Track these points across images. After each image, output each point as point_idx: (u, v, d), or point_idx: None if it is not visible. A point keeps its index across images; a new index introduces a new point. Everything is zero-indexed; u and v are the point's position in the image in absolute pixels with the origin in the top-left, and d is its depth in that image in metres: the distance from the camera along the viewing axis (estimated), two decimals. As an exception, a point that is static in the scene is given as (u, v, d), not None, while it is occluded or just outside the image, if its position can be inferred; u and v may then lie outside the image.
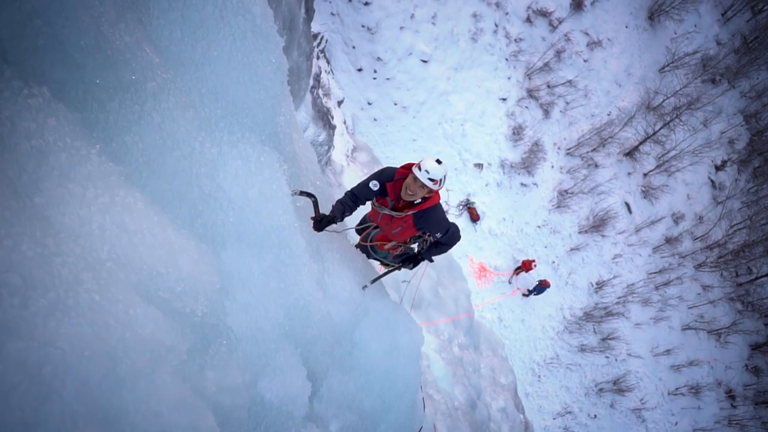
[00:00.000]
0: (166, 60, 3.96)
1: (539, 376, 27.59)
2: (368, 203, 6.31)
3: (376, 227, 6.74)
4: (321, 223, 5.64)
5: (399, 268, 6.64)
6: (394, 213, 5.92)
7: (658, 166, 33.61)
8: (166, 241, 3.11)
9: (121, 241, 2.83)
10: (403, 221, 5.95)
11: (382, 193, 5.96)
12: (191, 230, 3.69)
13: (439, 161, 5.47)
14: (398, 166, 5.93)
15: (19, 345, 1.91)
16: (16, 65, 2.86)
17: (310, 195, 5.54)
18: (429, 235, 6.15)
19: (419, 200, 5.70)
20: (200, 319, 3.25)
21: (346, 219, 6.22)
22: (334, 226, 5.83)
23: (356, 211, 6.26)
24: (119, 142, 3.38)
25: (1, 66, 2.71)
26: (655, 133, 32.71)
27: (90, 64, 3.21)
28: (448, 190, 26.90)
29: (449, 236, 6.07)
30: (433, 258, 6.52)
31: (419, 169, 5.46)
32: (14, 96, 2.68)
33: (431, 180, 5.41)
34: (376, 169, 6.27)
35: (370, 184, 5.92)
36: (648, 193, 33.20)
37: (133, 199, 3.06)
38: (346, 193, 6.04)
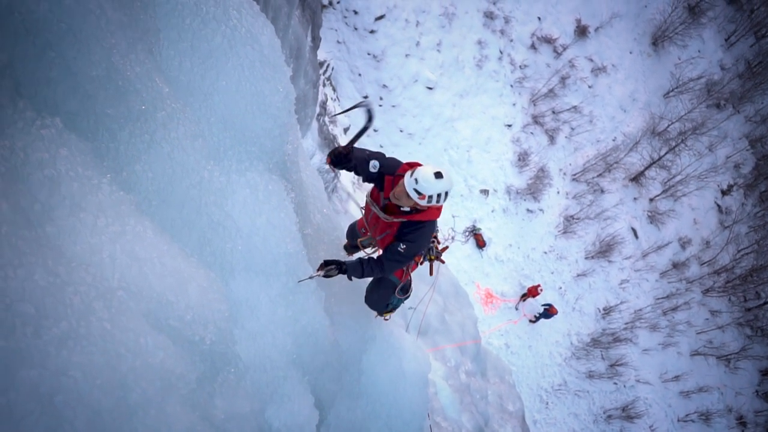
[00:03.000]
0: (176, 90, 4.02)
1: (547, 403, 27.34)
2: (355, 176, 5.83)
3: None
4: (339, 159, 5.19)
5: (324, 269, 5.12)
6: (382, 215, 5.27)
7: (664, 191, 33.56)
8: (175, 269, 3.14)
9: (132, 270, 2.85)
10: (389, 228, 5.29)
11: (378, 183, 5.32)
12: (200, 258, 3.72)
13: (439, 174, 4.75)
14: (404, 162, 5.37)
15: (32, 373, 1.93)
16: (30, 97, 2.91)
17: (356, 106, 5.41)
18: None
19: (407, 209, 5.06)
20: (209, 347, 3.27)
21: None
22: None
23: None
24: (129, 171, 3.43)
25: (15, 98, 2.75)
26: (660, 158, 32.71)
27: (101, 95, 3.26)
28: (454, 217, 26.89)
29: (399, 254, 5.18)
30: (352, 278, 5.28)
31: (411, 174, 4.84)
32: (27, 127, 2.73)
33: (416, 192, 4.76)
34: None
35: (371, 164, 5.27)
36: (654, 218, 33.12)
37: (143, 227, 3.10)
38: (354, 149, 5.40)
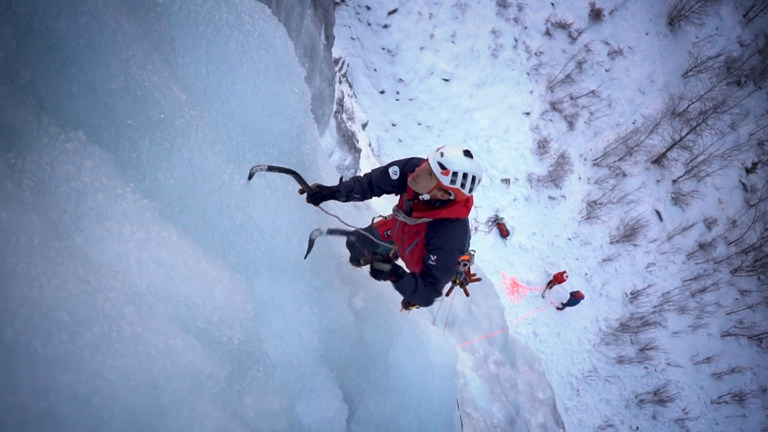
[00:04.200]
0: (193, 97, 4.10)
1: (578, 390, 27.30)
2: (383, 197, 5.20)
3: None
4: (316, 196, 4.55)
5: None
6: (407, 220, 4.61)
7: (687, 172, 33.32)
8: (200, 272, 3.22)
9: (158, 275, 2.94)
10: (416, 233, 4.59)
11: (401, 187, 4.76)
12: (224, 260, 3.80)
13: (468, 153, 4.16)
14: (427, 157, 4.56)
15: (70, 377, 2.02)
16: (53, 112, 3.01)
17: (286, 170, 4.42)
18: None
19: (425, 197, 4.39)
20: (237, 347, 3.35)
21: (348, 213, 5.13)
22: (334, 205, 4.80)
23: (363, 209, 5.19)
24: (152, 179, 3.51)
25: (40, 113, 2.85)
26: (681, 139, 32.47)
27: (121, 106, 3.35)
28: (476, 207, 26.90)
29: (435, 269, 4.34)
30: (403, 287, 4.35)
31: (436, 150, 4.25)
32: (53, 141, 2.82)
33: (440, 166, 4.13)
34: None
35: (390, 170, 4.73)
36: (678, 199, 32.90)
37: (168, 233, 3.18)
38: (364, 174, 4.88)
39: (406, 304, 6.09)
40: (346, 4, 25.49)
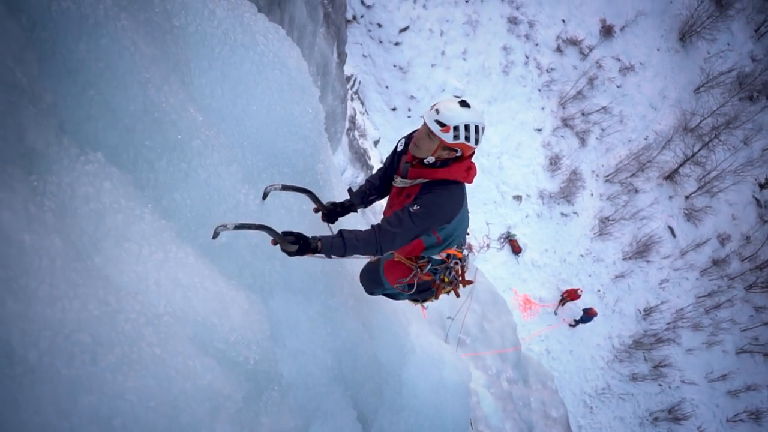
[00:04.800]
0: (209, 117, 4.14)
1: (591, 408, 27.10)
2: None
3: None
4: (331, 214, 4.38)
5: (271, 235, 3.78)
6: (403, 183, 4.27)
7: (699, 188, 33.19)
8: (217, 293, 3.25)
9: (176, 296, 2.97)
10: (408, 196, 4.23)
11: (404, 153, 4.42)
12: (240, 281, 3.83)
13: (464, 103, 3.86)
14: None
15: (91, 398, 2.04)
16: (73, 134, 3.05)
17: (301, 189, 4.28)
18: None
19: (430, 160, 4.02)
20: (253, 367, 3.36)
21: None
22: (354, 219, 4.53)
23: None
24: (169, 199, 3.55)
25: (60, 135, 2.89)
26: (694, 155, 32.37)
27: (139, 128, 3.39)
28: (488, 224, 26.89)
29: (409, 214, 3.96)
30: (333, 255, 3.93)
31: (431, 108, 3.95)
32: (73, 163, 2.86)
33: (438, 124, 3.80)
34: None
35: (398, 144, 4.52)
36: (691, 215, 32.76)
37: (185, 254, 3.21)
38: (376, 171, 4.71)
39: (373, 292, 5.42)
40: (358, 21, 25.65)
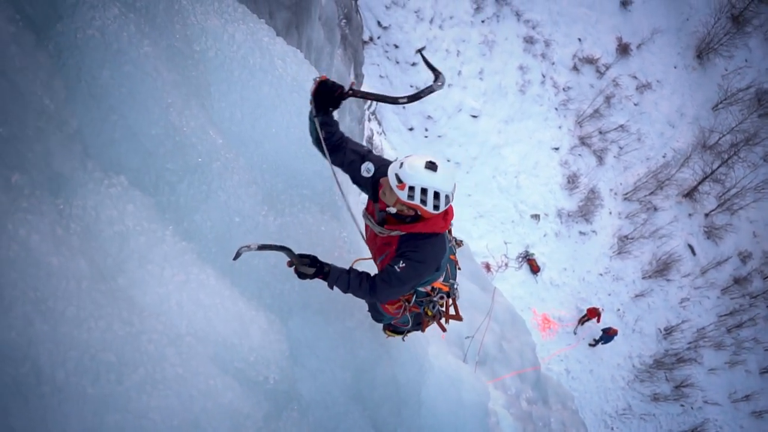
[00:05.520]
0: (229, 140, 4.21)
1: (612, 429, 26.77)
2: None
3: None
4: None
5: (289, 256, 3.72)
6: (377, 229, 4.04)
7: (719, 206, 32.89)
8: (237, 313, 3.30)
9: (198, 316, 3.02)
10: (388, 246, 4.06)
11: (373, 192, 4.10)
12: (260, 301, 3.88)
13: (432, 165, 3.57)
14: None
15: (117, 417, 2.10)
16: (97, 158, 3.13)
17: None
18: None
19: (392, 211, 3.82)
20: (272, 387, 3.40)
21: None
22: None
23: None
24: (190, 221, 3.62)
25: (85, 160, 2.97)
26: (713, 172, 32.12)
27: (161, 151, 3.47)
28: (506, 243, 26.81)
29: (394, 275, 3.91)
30: (336, 287, 4.03)
31: (397, 159, 3.74)
32: (97, 186, 2.93)
33: (397, 178, 3.58)
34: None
35: (363, 166, 4.04)
36: (711, 233, 32.44)
37: (206, 275, 3.27)
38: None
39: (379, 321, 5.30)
40: (375, 42, 25.83)
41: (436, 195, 3.60)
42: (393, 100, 3.89)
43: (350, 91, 3.80)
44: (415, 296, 4.59)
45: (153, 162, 3.44)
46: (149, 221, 3.12)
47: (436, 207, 3.65)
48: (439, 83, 3.87)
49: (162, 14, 3.77)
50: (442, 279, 4.58)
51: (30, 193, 2.30)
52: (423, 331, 5.08)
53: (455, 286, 4.79)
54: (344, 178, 4.25)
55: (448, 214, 3.97)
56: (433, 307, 4.65)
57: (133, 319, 2.46)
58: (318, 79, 3.80)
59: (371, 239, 4.28)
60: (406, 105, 4.01)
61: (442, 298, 4.67)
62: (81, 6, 3.12)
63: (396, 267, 3.88)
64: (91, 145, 3.13)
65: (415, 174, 3.53)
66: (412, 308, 4.66)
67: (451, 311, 5.01)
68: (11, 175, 2.22)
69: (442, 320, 4.87)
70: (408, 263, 3.88)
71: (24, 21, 2.77)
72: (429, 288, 4.57)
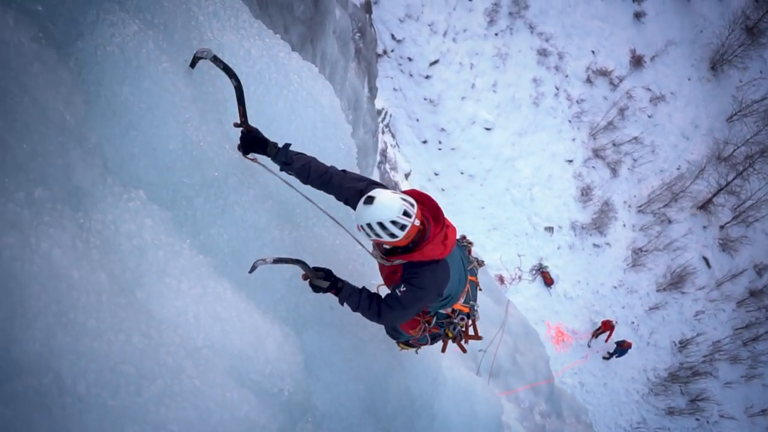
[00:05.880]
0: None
1: (627, 442, 26.62)
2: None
3: None
4: (250, 141, 3.98)
5: (304, 269, 3.92)
6: (383, 261, 4.20)
7: (734, 218, 32.69)
8: (253, 326, 3.34)
9: (214, 329, 3.06)
10: (394, 273, 4.22)
11: None
12: (275, 314, 3.91)
13: (369, 200, 3.72)
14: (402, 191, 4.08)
15: (136, 429, 2.14)
16: (116, 172, 3.19)
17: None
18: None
19: (386, 247, 4.04)
20: (287, 399, 3.44)
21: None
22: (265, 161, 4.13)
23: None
24: (206, 235, 3.67)
25: (105, 174, 3.02)
26: (728, 184, 31.94)
27: (178, 166, 3.53)
28: (520, 256, 26.75)
29: (396, 300, 4.05)
30: (346, 304, 4.15)
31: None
32: (116, 201, 2.99)
33: (358, 225, 3.83)
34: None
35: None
36: (726, 245, 32.23)
37: (222, 288, 3.31)
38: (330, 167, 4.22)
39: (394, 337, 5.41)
40: (389, 56, 25.93)
41: (381, 225, 3.70)
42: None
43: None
44: (435, 318, 4.64)
45: (170, 176, 3.50)
46: (167, 235, 3.17)
47: (392, 236, 3.76)
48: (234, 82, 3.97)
49: (180, 30, 3.82)
50: (462, 300, 4.61)
51: (52, 207, 2.35)
52: (443, 351, 5.13)
53: (475, 308, 4.82)
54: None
55: (447, 239, 4.04)
56: (454, 329, 4.71)
57: (151, 331, 2.50)
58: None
59: (381, 268, 4.41)
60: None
61: (462, 319, 4.70)
62: (101, 23, 3.18)
63: (398, 291, 4.02)
64: (111, 159, 3.18)
65: (359, 214, 3.74)
66: (432, 329, 4.70)
67: (471, 332, 5.03)
68: (34, 189, 2.27)
69: (462, 341, 4.89)
70: (408, 288, 4.00)
71: (47, 39, 2.83)
72: (449, 310, 4.60)
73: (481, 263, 5.01)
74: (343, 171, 4.21)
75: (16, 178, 2.22)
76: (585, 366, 26.18)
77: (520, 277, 26.44)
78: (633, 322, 28.58)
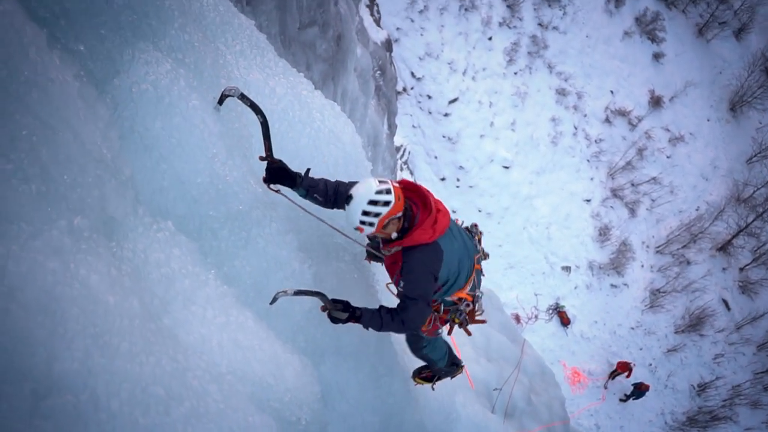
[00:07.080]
0: (268, 189, 4.40)
1: (643, 487, 26.20)
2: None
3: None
4: (275, 174, 4.12)
5: (323, 301, 3.99)
6: (379, 253, 4.48)
7: (754, 260, 32.43)
8: (273, 355, 3.45)
9: (237, 356, 3.18)
10: (394, 263, 4.38)
11: None
12: (294, 344, 4.01)
13: (348, 198, 4.02)
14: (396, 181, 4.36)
15: (164, 448, 2.24)
16: (147, 204, 3.33)
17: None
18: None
19: (383, 236, 4.23)
20: (304, 428, 3.53)
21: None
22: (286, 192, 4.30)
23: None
24: (230, 266, 3.80)
25: (136, 205, 3.17)
26: (747, 226, 31.77)
27: (205, 199, 3.67)
28: (537, 295, 26.68)
29: (403, 295, 4.21)
30: (371, 328, 4.22)
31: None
32: (146, 231, 3.13)
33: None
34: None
35: None
36: (746, 288, 31.94)
37: (245, 317, 3.43)
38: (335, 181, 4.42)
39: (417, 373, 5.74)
40: (408, 93, 26.27)
41: (365, 213, 3.94)
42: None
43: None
44: (442, 305, 4.80)
45: (197, 209, 3.64)
46: (193, 265, 3.30)
47: (378, 215, 3.97)
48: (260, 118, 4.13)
49: (209, 69, 4.00)
50: (468, 289, 4.76)
51: (89, 236, 2.49)
52: (449, 333, 5.23)
53: (479, 295, 5.01)
54: None
55: (437, 223, 4.24)
56: (460, 315, 4.87)
57: (178, 356, 2.62)
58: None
59: (387, 266, 4.53)
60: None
61: (468, 305, 4.87)
62: (137, 62, 3.36)
63: (399, 288, 4.23)
64: (142, 191, 3.34)
65: (347, 216, 4.01)
66: (442, 317, 4.86)
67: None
68: (74, 218, 2.41)
69: (468, 326, 5.04)
70: (405, 279, 4.20)
71: (87, 76, 3.01)
72: (456, 298, 4.75)
73: (486, 255, 5.11)
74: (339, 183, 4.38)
75: (59, 208, 2.36)
76: (601, 408, 25.91)
77: (536, 317, 26.35)
78: (650, 364, 28.30)
